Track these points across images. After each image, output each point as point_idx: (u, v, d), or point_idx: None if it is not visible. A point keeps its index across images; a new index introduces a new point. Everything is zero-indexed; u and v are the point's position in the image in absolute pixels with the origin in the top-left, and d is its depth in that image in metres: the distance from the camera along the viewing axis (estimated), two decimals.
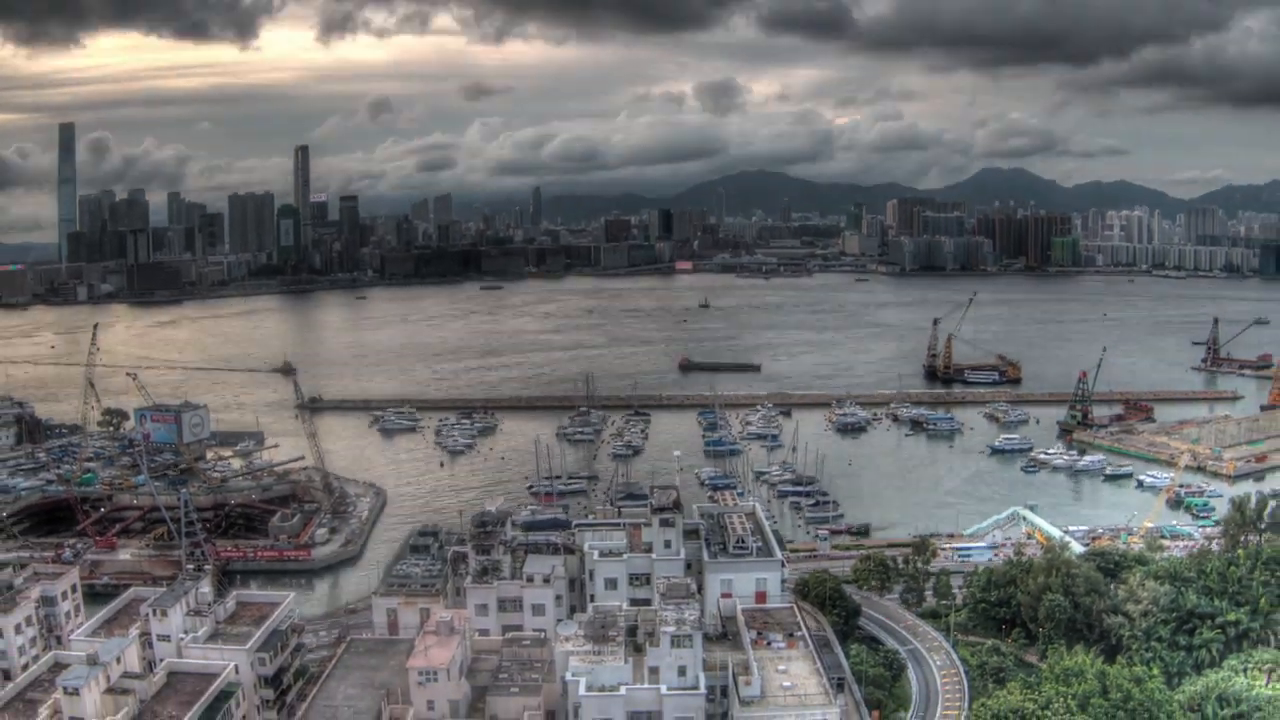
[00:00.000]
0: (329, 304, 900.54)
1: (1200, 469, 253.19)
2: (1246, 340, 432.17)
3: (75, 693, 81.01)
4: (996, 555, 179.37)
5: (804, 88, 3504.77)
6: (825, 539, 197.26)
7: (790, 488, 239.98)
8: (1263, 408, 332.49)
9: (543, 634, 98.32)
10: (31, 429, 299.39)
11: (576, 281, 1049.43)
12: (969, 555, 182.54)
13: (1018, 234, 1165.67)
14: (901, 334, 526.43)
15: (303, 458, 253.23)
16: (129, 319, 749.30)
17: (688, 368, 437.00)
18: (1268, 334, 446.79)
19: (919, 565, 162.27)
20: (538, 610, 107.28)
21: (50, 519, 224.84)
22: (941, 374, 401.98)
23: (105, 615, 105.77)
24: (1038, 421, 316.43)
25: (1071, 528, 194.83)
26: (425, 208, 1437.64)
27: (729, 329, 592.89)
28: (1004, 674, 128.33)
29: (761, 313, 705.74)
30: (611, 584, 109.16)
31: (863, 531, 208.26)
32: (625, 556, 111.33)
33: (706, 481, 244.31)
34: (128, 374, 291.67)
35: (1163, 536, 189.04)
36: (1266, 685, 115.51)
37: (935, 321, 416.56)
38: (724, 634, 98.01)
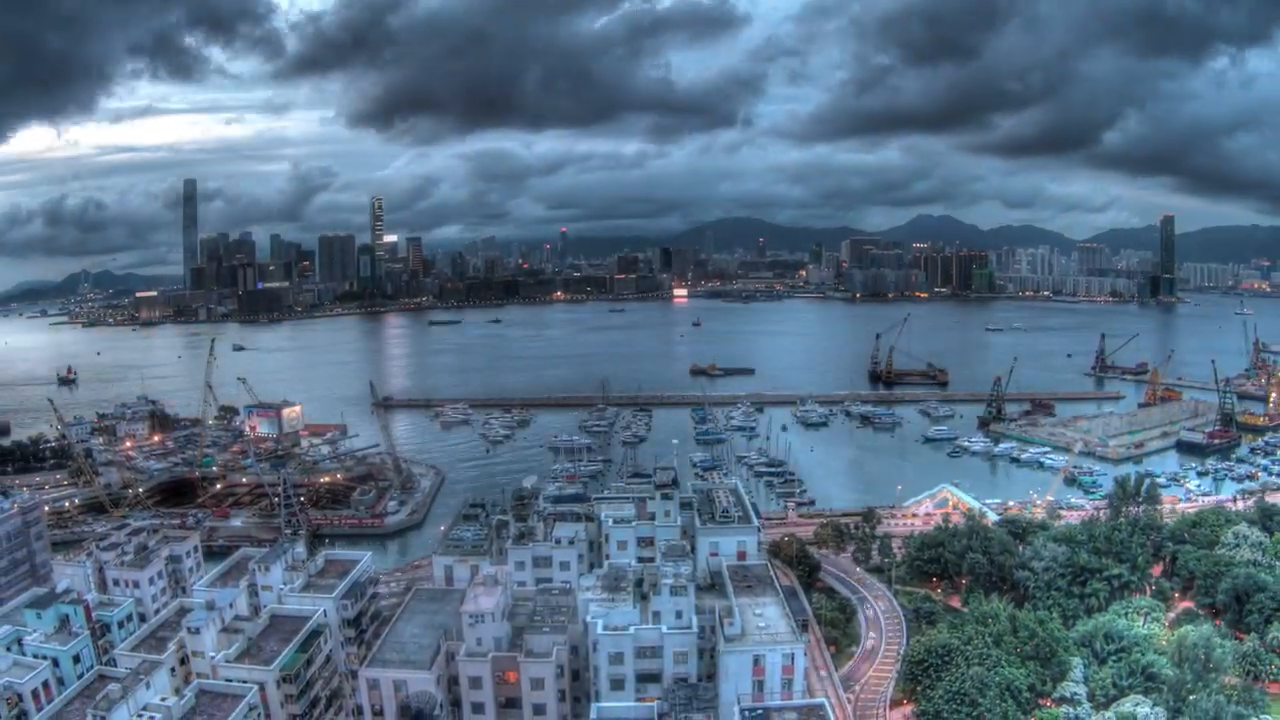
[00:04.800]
0: (397, 322, 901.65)
1: (1090, 454, 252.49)
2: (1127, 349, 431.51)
3: (197, 632, 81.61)
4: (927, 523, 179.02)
5: None
6: (794, 509, 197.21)
7: (765, 469, 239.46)
8: (1140, 405, 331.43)
9: (568, 585, 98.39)
10: (162, 422, 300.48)
11: (596, 305, 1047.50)
12: None
13: (945, 267, 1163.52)
14: (855, 345, 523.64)
15: (378, 445, 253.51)
16: (240, 335, 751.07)
17: (697, 372, 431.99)
18: (1145, 346, 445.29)
19: (867, 530, 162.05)
20: (564, 566, 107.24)
21: (177, 493, 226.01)
22: (884, 378, 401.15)
23: (221, 570, 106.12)
24: (961, 416, 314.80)
25: (988, 500, 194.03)
26: (475, 245, 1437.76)
27: (723, 341, 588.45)
28: (934, 617, 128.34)
29: (746, 330, 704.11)
30: (623, 546, 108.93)
31: (811, 502, 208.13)
32: (634, 523, 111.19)
33: (697, 464, 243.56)
34: (239, 379, 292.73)
35: (1060, 507, 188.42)
36: (1143, 625, 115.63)
37: (878, 336, 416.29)
38: (712, 585, 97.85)
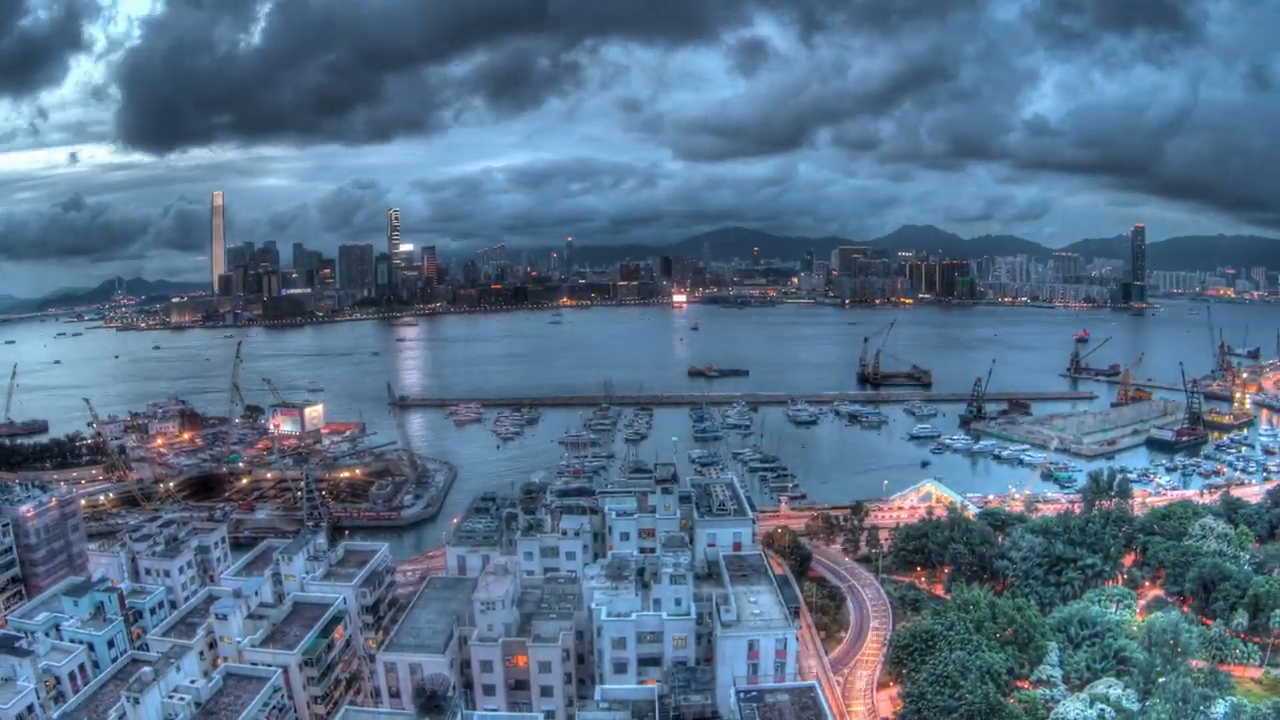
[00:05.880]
0: (412, 325, 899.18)
1: (1065, 450, 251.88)
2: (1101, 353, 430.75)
3: (224, 618, 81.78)
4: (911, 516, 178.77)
5: None
6: (787, 503, 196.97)
7: (759, 465, 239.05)
8: (1112, 405, 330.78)
9: (574, 574, 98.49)
10: (191, 420, 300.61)
11: (600, 310, 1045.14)
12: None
13: (929, 275, 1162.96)
14: (842, 349, 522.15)
15: (395, 442, 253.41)
16: (265, 339, 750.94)
17: (695, 374, 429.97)
18: (1117, 348, 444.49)
19: (856, 522, 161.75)
20: (570, 556, 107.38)
21: (205, 488, 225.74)
22: (871, 379, 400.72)
23: (246, 560, 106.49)
24: (944, 415, 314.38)
25: (969, 494, 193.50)
26: (486, 254, 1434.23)
27: (718, 344, 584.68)
28: (919, 604, 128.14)
29: (741, 334, 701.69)
30: (625, 537, 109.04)
31: (803, 496, 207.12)
32: (635, 516, 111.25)
33: (695, 460, 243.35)
34: (264, 380, 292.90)
35: (1037, 501, 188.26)
36: (1115, 612, 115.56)
37: (865, 340, 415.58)
38: (709, 574, 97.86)
